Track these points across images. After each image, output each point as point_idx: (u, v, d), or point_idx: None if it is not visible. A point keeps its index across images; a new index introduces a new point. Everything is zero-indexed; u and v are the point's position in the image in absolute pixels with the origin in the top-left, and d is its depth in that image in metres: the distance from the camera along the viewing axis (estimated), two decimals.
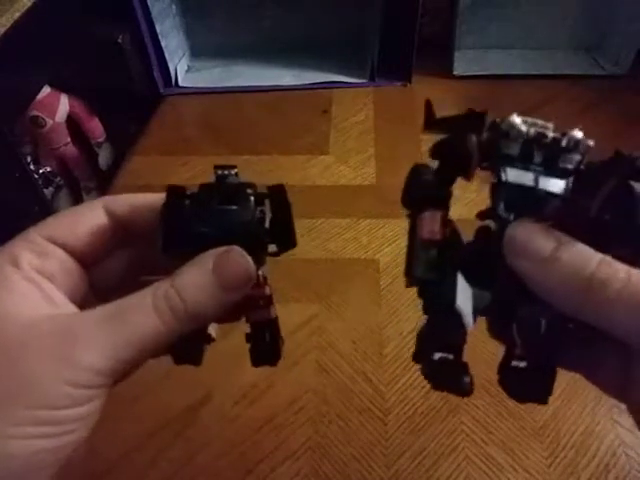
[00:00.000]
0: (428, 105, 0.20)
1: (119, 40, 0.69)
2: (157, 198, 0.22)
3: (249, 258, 0.20)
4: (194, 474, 0.37)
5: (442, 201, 0.21)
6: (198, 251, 0.20)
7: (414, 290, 0.21)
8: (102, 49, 0.70)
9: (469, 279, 0.20)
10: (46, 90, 0.68)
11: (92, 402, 0.19)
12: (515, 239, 0.18)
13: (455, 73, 0.78)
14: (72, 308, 0.21)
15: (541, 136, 0.18)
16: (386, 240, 0.54)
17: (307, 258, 0.52)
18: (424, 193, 0.20)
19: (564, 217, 0.19)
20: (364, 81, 0.78)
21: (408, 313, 0.47)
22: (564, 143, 0.18)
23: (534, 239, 0.18)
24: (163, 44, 0.74)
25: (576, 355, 0.20)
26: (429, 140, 0.20)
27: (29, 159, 0.72)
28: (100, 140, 0.77)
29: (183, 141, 0.71)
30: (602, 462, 0.37)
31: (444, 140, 0.20)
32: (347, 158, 0.65)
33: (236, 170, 0.22)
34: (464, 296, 0.20)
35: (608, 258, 0.17)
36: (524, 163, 0.19)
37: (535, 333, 0.19)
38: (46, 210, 0.60)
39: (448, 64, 0.79)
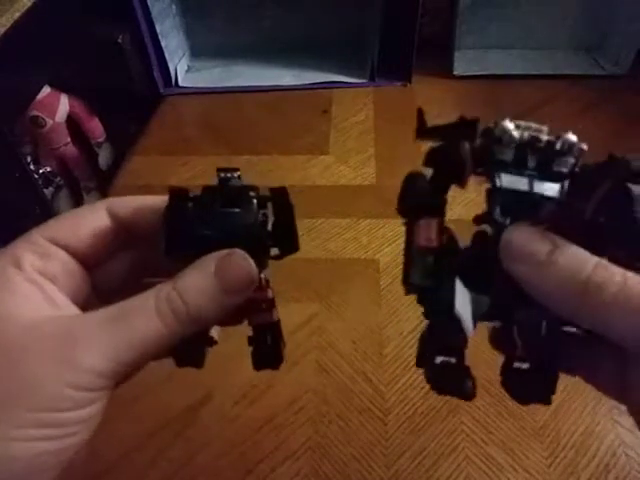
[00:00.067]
0: (420, 113, 0.20)
1: (119, 40, 0.69)
2: (160, 200, 0.22)
3: (251, 261, 0.20)
4: (194, 474, 0.38)
5: (437, 208, 0.21)
6: (201, 254, 0.20)
7: None
8: (102, 49, 0.70)
9: (467, 284, 0.20)
10: (46, 90, 0.68)
11: (94, 404, 0.19)
12: (511, 243, 0.19)
13: (455, 73, 0.78)
14: (74, 310, 0.21)
15: (535, 140, 0.18)
16: (386, 240, 0.54)
17: (307, 258, 0.52)
18: (419, 201, 0.20)
19: (560, 220, 0.19)
20: (364, 81, 0.78)
21: (408, 313, 0.47)
22: (558, 146, 0.18)
23: (530, 243, 0.18)
24: (163, 44, 0.74)
25: (574, 358, 0.20)
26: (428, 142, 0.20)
27: (29, 159, 0.72)
28: (100, 140, 0.77)
29: (183, 141, 0.71)
30: (602, 462, 0.37)
31: (437, 148, 0.20)
32: (347, 158, 0.65)
33: (239, 173, 0.22)
34: (463, 301, 0.20)
35: (604, 261, 0.17)
36: (518, 168, 0.19)
37: (536, 334, 0.20)
38: (46, 210, 0.59)
39: (448, 64, 0.79)
